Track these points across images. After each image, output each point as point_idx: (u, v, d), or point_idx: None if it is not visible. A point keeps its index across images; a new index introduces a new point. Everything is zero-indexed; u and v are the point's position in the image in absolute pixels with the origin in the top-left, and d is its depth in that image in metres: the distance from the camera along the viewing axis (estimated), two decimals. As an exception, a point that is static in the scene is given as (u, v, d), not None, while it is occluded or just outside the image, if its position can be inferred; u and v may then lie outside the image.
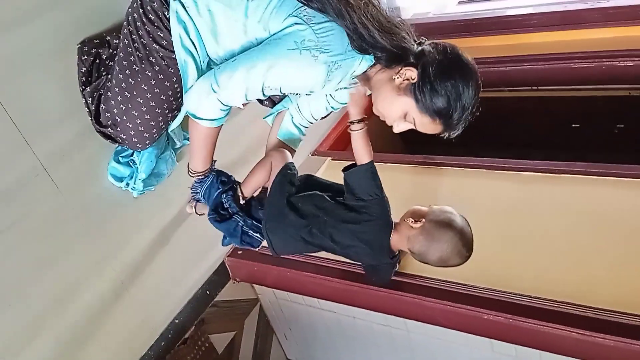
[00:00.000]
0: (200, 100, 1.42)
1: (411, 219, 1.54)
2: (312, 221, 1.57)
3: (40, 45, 1.52)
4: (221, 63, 1.47)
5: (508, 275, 1.98)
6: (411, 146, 3.25)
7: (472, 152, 2.61)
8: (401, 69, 1.37)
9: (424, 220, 1.54)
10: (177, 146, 1.90)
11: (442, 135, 1.42)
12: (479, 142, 3.02)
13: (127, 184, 1.79)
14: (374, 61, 1.40)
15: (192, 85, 1.46)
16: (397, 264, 1.75)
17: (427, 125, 1.40)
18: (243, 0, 1.37)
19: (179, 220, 2.13)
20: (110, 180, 1.79)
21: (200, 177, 1.66)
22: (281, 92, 1.42)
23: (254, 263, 2.41)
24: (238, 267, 2.47)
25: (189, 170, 1.66)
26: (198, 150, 1.58)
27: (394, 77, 1.38)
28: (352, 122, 1.51)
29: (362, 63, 1.39)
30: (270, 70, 1.33)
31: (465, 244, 1.54)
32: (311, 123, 1.79)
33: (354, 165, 1.54)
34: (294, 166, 1.68)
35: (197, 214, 2.01)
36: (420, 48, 1.39)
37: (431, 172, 2.63)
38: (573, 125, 2.99)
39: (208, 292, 2.40)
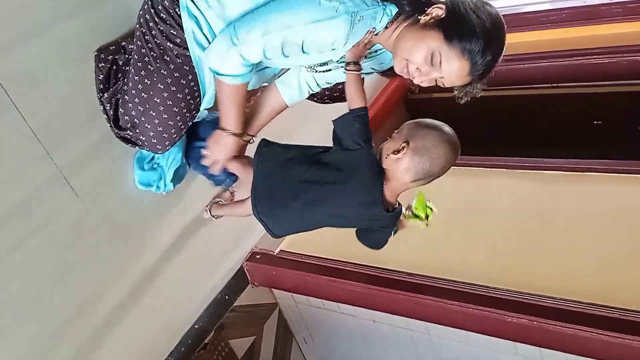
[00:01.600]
0: (221, 55, 1.37)
1: (392, 155, 1.44)
2: (300, 196, 1.52)
3: (58, 54, 1.53)
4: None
5: (531, 276, 1.94)
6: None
7: (491, 151, 2.57)
8: (428, 10, 1.32)
9: (403, 145, 1.43)
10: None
11: (468, 88, 1.38)
12: (499, 141, 2.99)
13: (158, 187, 1.79)
14: (393, 14, 1.36)
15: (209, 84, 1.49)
16: (397, 226, 1.61)
17: (454, 65, 1.30)
18: None
19: (197, 226, 2.13)
20: (139, 188, 1.79)
21: (231, 134, 1.58)
22: (303, 51, 1.37)
23: (272, 267, 2.41)
24: (256, 271, 2.46)
25: (220, 128, 1.59)
26: (227, 111, 1.54)
27: (419, 17, 1.33)
28: (348, 63, 1.45)
29: (384, 17, 1.36)
30: (289, 23, 1.30)
31: (448, 134, 1.45)
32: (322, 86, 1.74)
33: None
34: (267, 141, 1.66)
35: (213, 217, 2.02)
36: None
37: (450, 171, 2.59)
38: (595, 122, 2.93)
39: (227, 297, 2.39)
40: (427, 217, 1.59)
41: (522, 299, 1.86)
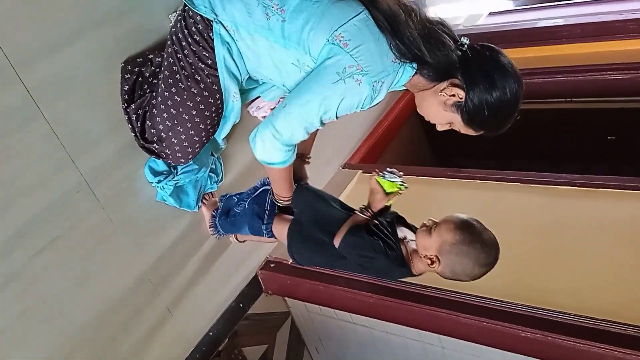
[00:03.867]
0: (267, 150, 1.46)
1: (428, 260, 1.46)
2: (336, 265, 1.65)
3: (86, 65, 1.57)
4: (259, 79, 1.55)
5: (545, 291, 1.95)
6: (442, 159, 3.24)
7: (504, 165, 2.59)
8: (447, 87, 1.38)
9: (436, 258, 1.44)
10: (221, 147, 1.92)
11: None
12: (512, 155, 3.00)
13: (160, 181, 1.79)
14: (415, 69, 1.41)
15: (232, 106, 1.58)
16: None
17: (470, 132, 1.46)
18: (278, 21, 1.40)
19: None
20: (145, 174, 1.79)
21: (286, 201, 1.73)
22: (337, 117, 1.45)
23: (286, 276, 2.43)
24: (270, 280, 2.48)
25: (275, 199, 1.74)
26: (281, 185, 1.66)
27: (439, 93, 1.40)
28: (366, 209, 1.56)
29: (404, 74, 1.41)
30: (322, 106, 1.38)
31: (487, 254, 1.40)
32: None
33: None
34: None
35: (238, 241, 2.05)
36: (461, 56, 1.38)
37: (462, 185, 2.62)
38: (609, 137, 2.94)
39: (241, 305, 2.42)
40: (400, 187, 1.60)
41: (536, 313, 1.86)
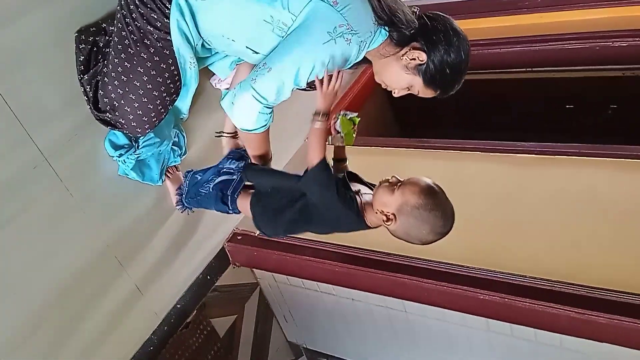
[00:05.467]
0: (247, 115, 1.47)
1: (383, 216, 1.45)
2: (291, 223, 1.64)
3: (39, 36, 1.53)
4: (216, 41, 1.53)
5: (503, 255, 2.02)
6: (407, 132, 3.27)
7: (467, 135, 2.63)
8: (409, 50, 1.46)
9: (393, 216, 1.42)
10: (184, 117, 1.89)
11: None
12: (474, 125, 3.05)
13: (121, 155, 1.75)
14: (387, 33, 1.46)
15: (191, 72, 1.54)
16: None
17: (428, 94, 1.54)
18: None
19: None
20: (105, 147, 1.75)
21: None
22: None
23: (253, 248, 2.45)
24: (238, 252, 2.50)
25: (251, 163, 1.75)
26: (258, 150, 1.67)
27: (401, 57, 1.48)
28: (317, 113, 1.50)
29: (379, 37, 1.47)
30: (313, 65, 1.40)
31: (444, 223, 1.41)
32: None
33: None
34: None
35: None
36: (421, 24, 1.46)
37: (426, 155, 2.65)
38: (567, 106, 3.01)
39: (209, 277, 2.43)
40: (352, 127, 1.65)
41: (494, 277, 1.93)
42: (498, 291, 1.88)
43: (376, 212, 1.47)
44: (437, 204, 1.40)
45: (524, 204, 2.23)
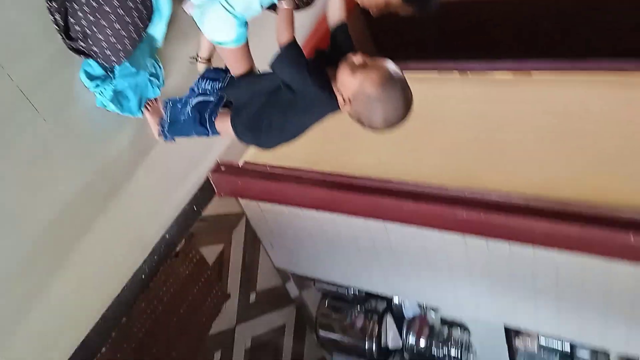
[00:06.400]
0: (217, 27, 1.47)
1: (340, 96, 1.42)
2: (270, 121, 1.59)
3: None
4: None
5: (479, 174, 2.08)
6: (387, 54, 3.23)
7: (443, 57, 2.62)
8: None
9: (349, 101, 1.40)
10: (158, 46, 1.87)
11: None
12: (453, 49, 3.03)
13: (97, 86, 1.73)
14: None
15: None
16: None
17: (406, 10, 1.49)
18: None
19: (161, 141, 2.16)
20: (81, 79, 1.73)
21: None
22: None
23: (237, 177, 2.48)
24: (222, 182, 2.53)
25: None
26: (238, 68, 1.63)
27: None
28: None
29: None
30: None
31: (397, 115, 1.38)
32: None
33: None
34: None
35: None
36: None
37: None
38: (542, 25, 2.97)
39: (195, 208, 2.48)
40: None
41: (471, 195, 1.99)
42: (475, 208, 1.95)
43: (336, 91, 1.44)
44: (393, 97, 1.35)
45: (499, 124, 2.26)
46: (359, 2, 1.56)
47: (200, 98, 1.76)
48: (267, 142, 1.64)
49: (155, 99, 2.01)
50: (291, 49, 1.46)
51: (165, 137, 1.93)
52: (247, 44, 1.57)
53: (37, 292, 1.84)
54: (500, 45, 2.55)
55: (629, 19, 2.63)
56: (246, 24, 1.52)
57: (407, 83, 1.37)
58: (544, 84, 2.36)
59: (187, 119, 1.79)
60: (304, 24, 2.95)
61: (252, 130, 1.62)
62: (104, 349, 2.12)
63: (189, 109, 1.78)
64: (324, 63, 1.52)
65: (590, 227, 1.82)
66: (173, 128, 1.87)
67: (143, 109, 1.95)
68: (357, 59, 1.39)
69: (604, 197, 1.86)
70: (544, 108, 2.25)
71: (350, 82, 1.37)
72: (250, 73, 1.66)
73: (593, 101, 2.21)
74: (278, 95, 1.53)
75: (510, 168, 2.07)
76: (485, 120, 2.29)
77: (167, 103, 1.91)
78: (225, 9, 1.43)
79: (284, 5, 1.46)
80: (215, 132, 1.76)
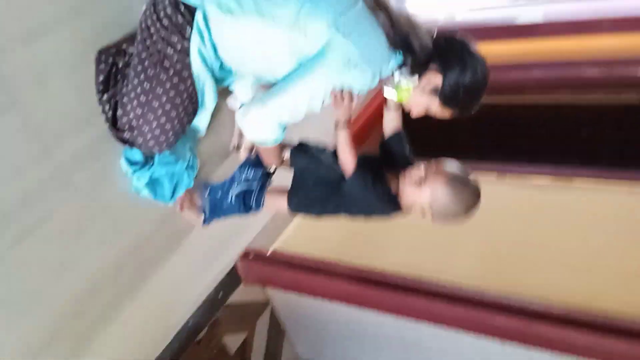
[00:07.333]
0: (260, 130, 1.53)
1: (419, 211, 1.53)
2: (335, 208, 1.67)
3: (60, 55, 1.55)
4: (235, 64, 1.56)
5: (517, 280, 2.00)
6: (422, 154, 3.25)
7: (481, 159, 2.62)
8: (426, 74, 1.47)
9: (430, 213, 1.50)
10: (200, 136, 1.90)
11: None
12: (490, 149, 3.04)
13: (135, 171, 1.77)
14: (402, 58, 1.48)
15: (209, 93, 1.58)
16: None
17: (446, 115, 1.54)
18: (269, 4, 1.42)
19: (191, 225, 2.16)
20: (121, 163, 1.77)
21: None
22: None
23: (265, 267, 2.45)
24: (249, 270, 2.50)
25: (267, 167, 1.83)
26: (270, 158, 1.75)
27: (418, 79, 1.49)
28: (336, 124, 1.57)
29: (394, 63, 1.49)
30: (327, 93, 1.47)
31: (473, 202, 1.49)
32: None
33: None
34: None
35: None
36: (437, 45, 1.48)
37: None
38: (583, 132, 2.98)
39: (221, 295, 2.43)
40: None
41: (509, 302, 1.91)
42: (513, 316, 1.86)
43: (410, 207, 1.54)
44: (463, 191, 1.46)
45: (539, 229, 2.21)
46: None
47: (243, 187, 1.83)
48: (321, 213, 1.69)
49: (190, 192, 2.03)
50: (358, 177, 1.55)
51: (206, 222, 1.94)
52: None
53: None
54: (540, 150, 2.55)
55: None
56: (286, 126, 1.55)
57: (468, 172, 1.49)
58: (585, 191, 2.31)
59: (230, 206, 1.85)
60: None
61: (314, 206, 1.69)
62: None
63: (231, 198, 1.84)
64: (382, 169, 1.60)
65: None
66: (215, 214, 1.91)
67: (177, 208, 1.98)
68: (417, 172, 1.50)
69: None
70: (587, 214, 2.19)
71: (420, 196, 1.49)
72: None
73: (634, 212, 2.15)
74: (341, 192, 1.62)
75: (551, 275, 1.98)
76: (523, 223, 2.24)
77: (204, 191, 1.93)
78: (268, 117, 1.48)
79: (340, 137, 1.55)
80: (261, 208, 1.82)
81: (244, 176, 1.88)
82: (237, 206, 1.84)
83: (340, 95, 1.48)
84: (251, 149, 2.00)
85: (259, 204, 1.82)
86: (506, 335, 1.95)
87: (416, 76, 1.47)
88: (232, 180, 1.89)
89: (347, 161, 1.55)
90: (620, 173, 2.30)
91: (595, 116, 2.82)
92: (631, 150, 2.54)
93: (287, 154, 1.80)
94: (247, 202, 1.82)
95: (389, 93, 1.55)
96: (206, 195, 1.93)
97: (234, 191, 1.85)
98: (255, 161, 1.91)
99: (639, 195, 2.21)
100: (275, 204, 1.78)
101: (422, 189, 1.48)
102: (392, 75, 1.48)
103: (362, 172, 1.55)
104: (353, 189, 1.57)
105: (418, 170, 1.51)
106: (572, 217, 2.21)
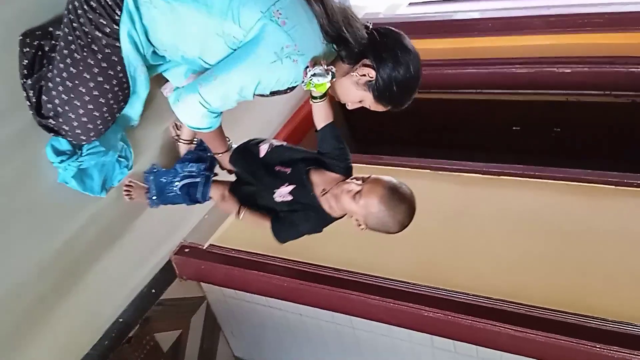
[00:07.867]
0: (192, 116, 1.51)
1: (354, 221, 1.56)
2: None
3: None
4: (167, 50, 1.53)
5: (447, 273, 2.05)
6: (362, 147, 3.29)
7: (419, 152, 2.68)
8: (359, 67, 1.50)
9: (365, 226, 1.55)
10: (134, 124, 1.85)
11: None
12: (426, 142, 3.12)
13: (62, 161, 1.69)
14: (335, 51, 1.51)
15: (141, 80, 1.56)
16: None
17: (379, 108, 1.58)
18: None
19: (125, 219, 2.10)
20: (47, 153, 1.69)
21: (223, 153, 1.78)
22: (269, 94, 1.53)
23: (201, 261, 2.41)
24: (185, 265, 2.45)
25: (215, 154, 1.80)
26: (213, 144, 1.74)
27: (352, 74, 1.52)
28: (314, 98, 1.57)
29: (328, 56, 1.50)
30: (258, 82, 1.45)
31: (408, 214, 1.53)
32: None
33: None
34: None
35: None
36: (371, 39, 1.50)
37: (379, 172, 2.67)
38: (514, 128, 3.11)
39: (153, 291, 2.37)
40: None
41: (438, 294, 1.96)
42: (442, 308, 1.91)
43: (351, 218, 1.57)
44: (397, 206, 1.50)
45: (469, 223, 2.28)
46: (333, 95, 1.61)
47: (187, 180, 1.84)
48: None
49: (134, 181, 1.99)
50: (280, 234, 1.71)
51: (153, 204, 1.92)
52: (220, 126, 1.61)
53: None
54: (471, 143, 2.63)
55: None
56: (221, 113, 1.53)
57: (401, 187, 1.53)
58: (514, 184, 2.40)
59: (176, 196, 1.87)
60: (282, 111, 3.02)
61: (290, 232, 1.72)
62: None
63: (175, 188, 1.85)
64: (308, 175, 1.64)
65: (558, 335, 1.78)
66: (162, 198, 1.91)
67: (125, 196, 1.95)
68: (354, 186, 1.52)
69: (574, 303, 1.84)
70: (513, 209, 2.28)
71: (355, 209, 1.52)
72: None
73: (564, 206, 2.26)
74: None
75: (478, 269, 2.05)
76: (453, 218, 2.30)
77: (148, 176, 1.91)
78: (201, 103, 1.46)
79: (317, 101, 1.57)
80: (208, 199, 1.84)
81: (186, 170, 1.88)
82: (182, 197, 1.86)
83: None
84: (191, 141, 1.97)
85: (205, 197, 1.84)
86: (435, 328, 2.00)
87: (330, 75, 1.46)
88: (174, 172, 1.89)
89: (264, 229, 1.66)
90: (546, 171, 2.40)
91: (525, 113, 2.94)
92: (558, 147, 2.67)
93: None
94: (192, 195, 1.84)
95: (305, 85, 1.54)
96: (151, 178, 1.92)
97: (179, 183, 1.86)
98: (196, 157, 1.91)
99: (563, 194, 2.32)
100: (225, 206, 1.82)
101: (358, 203, 1.50)
102: (306, 70, 1.47)
103: (280, 231, 1.68)
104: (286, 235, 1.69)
105: (355, 184, 1.54)
106: (501, 213, 2.29)
